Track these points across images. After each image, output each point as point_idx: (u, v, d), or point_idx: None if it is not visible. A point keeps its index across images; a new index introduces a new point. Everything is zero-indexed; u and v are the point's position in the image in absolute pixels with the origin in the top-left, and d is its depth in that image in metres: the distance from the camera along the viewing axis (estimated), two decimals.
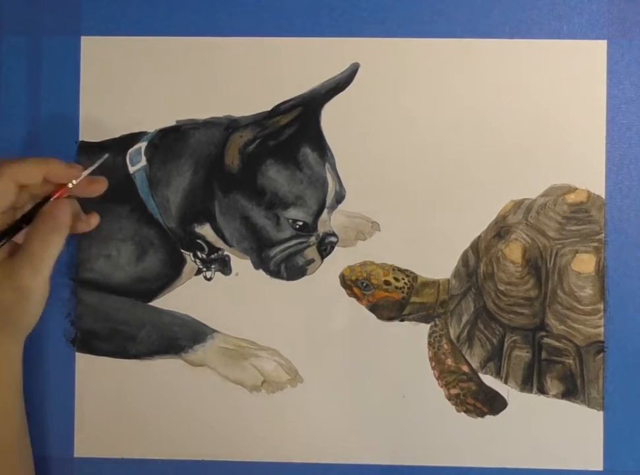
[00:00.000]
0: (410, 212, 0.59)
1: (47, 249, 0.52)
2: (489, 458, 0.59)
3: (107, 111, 0.59)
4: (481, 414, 0.59)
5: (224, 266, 0.60)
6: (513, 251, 0.58)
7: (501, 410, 0.59)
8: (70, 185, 0.54)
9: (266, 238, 0.59)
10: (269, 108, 0.60)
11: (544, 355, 0.58)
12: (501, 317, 0.59)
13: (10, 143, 0.60)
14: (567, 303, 0.58)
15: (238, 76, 0.60)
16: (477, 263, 0.59)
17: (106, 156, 0.56)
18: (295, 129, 0.59)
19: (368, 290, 0.59)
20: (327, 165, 0.60)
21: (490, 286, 0.59)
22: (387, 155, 0.59)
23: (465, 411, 0.59)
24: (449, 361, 0.59)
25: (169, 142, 0.60)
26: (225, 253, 0.60)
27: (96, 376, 0.60)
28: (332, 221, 0.60)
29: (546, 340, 0.58)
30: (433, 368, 0.59)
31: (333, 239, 0.60)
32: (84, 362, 0.60)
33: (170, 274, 0.60)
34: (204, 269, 0.60)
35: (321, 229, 0.60)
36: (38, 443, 0.58)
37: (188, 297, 0.60)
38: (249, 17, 0.60)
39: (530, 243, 0.59)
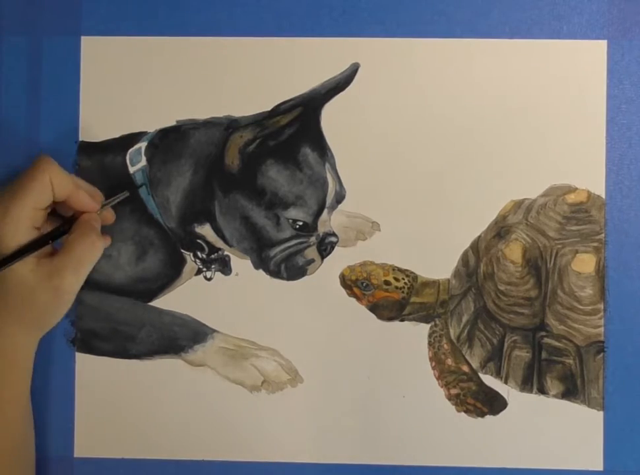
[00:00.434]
0: (410, 212, 0.59)
1: (89, 253, 0.55)
2: (489, 458, 0.59)
3: (107, 111, 0.59)
4: (481, 414, 0.59)
5: (224, 266, 0.60)
6: (513, 251, 0.58)
7: (501, 410, 0.59)
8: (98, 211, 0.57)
9: (266, 238, 0.59)
10: (269, 108, 0.60)
11: (544, 355, 0.58)
12: (501, 317, 0.59)
13: (11, 143, 0.60)
14: (567, 303, 0.58)
15: (238, 76, 0.60)
16: (477, 263, 0.59)
17: (127, 194, 0.58)
18: (295, 129, 0.59)
19: (368, 290, 0.59)
20: (327, 165, 0.60)
21: (490, 286, 0.59)
22: (387, 155, 0.59)
23: (465, 411, 0.59)
24: (449, 361, 0.59)
25: (169, 142, 0.60)
26: (225, 253, 0.60)
27: (95, 376, 0.60)
28: (332, 221, 0.60)
29: (546, 340, 0.58)
30: (433, 368, 0.59)
31: (333, 239, 0.60)
32: (84, 362, 0.60)
33: (170, 274, 0.60)
34: (204, 269, 0.60)
35: (321, 229, 0.60)
36: (38, 443, 0.58)
37: (188, 297, 0.60)
38: (249, 17, 0.60)
39: (530, 243, 0.59)
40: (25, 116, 0.60)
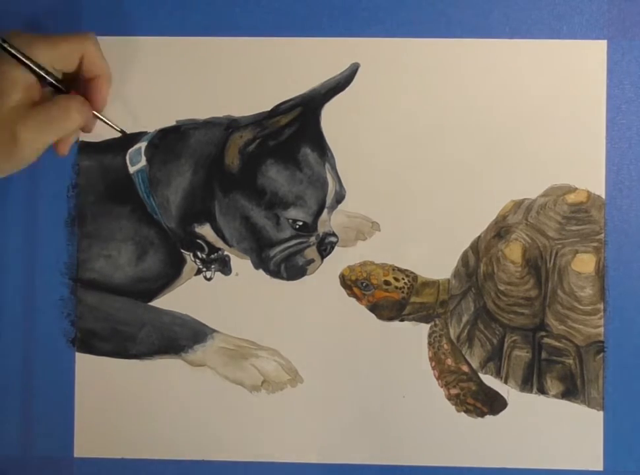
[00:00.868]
0: (410, 212, 0.59)
1: (63, 118, 0.54)
2: (489, 458, 0.59)
3: (107, 112, 0.59)
4: (481, 414, 0.59)
5: (224, 266, 0.60)
6: (513, 251, 0.58)
7: (501, 410, 0.59)
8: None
9: (266, 238, 0.59)
10: (269, 108, 0.60)
11: (544, 355, 0.58)
12: (501, 317, 0.59)
13: None
14: (567, 303, 0.58)
15: (238, 76, 0.60)
16: (477, 263, 0.59)
17: (121, 134, 0.59)
18: (295, 129, 0.59)
19: (368, 290, 0.59)
20: (327, 165, 0.60)
21: (490, 286, 0.59)
22: (387, 155, 0.59)
23: (465, 411, 0.59)
24: (449, 361, 0.59)
25: (169, 142, 0.60)
26: (225, 253, 0.60)
27: (95, 376, 0.60)
28: (332, 221, 0.60)
29: (546, 340, 0.58)
30: (433, 368, 0.59)
31: (333, 239, 0.60)
32: (84, 362, 0.60)
33: (170, 274, 0.60)
34: (204, 269, 0.60)
35: (321, 229, 0.60)
36: (38, 443, 0.59)
37: (188, 297, 0.60)
38: (249, 17, 0.60)
39: (530, 243, 0.59)
40: None
